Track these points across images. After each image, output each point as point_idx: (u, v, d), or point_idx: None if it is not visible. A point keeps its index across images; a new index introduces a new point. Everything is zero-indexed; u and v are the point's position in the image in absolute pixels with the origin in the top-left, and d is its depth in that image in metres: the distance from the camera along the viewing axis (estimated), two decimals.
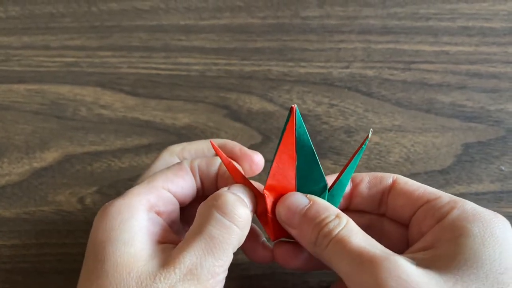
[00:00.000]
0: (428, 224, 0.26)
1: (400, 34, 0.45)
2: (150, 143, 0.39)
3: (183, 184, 0.28)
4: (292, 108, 0.26)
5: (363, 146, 0.27)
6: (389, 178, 0.29)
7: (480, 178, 0.36)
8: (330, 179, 0.28)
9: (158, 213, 0.27)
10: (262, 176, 0.31)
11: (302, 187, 0.28)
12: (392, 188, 0.28)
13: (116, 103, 0.41)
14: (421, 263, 0.24)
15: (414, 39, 0.44)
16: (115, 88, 0.42)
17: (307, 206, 0.27)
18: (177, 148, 0.31)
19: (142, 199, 0.26)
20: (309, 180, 0.28)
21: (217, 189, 0.28)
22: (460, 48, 0.43)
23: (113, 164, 0.37)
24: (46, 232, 0.34)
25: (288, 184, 0.28)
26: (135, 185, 0.28)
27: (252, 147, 0.38)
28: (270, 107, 0.41)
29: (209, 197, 0.26)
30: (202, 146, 0.31)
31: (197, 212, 0.26)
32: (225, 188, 0.27)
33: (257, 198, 0.28)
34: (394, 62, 0.43)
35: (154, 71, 0.43)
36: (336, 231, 0.25)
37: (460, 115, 0.39)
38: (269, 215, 0.28)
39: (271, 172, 0.27)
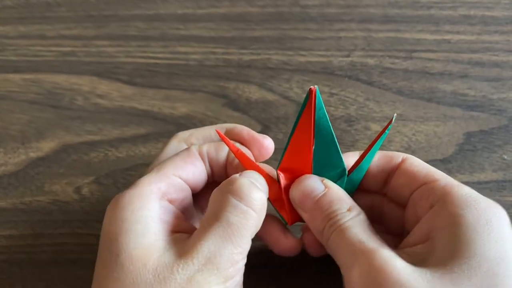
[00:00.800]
0: (422, 207, 0.25)
1: (401, 23, 0.44)
2: (148, 133, 0.38)
3: (194, 170, 0.27)
4: (311, 89, 0.25)
5: (386, 131, 0.26)
6: (398, 157, 0.28)
7: (482, 167, 0.36)
8: (349, 158, 0.28)
9: (170, 201, 0.26)
10: (271, 162, 0.30)
11: (319, 171, 0.27)
12: (398, 167, 0.27)
13: (113, 93, 0.40)
14: (418, 258, 0.23)
15: (415, 27, 0.44)
16: (112, 78, 0.41)
17: (322, 193, 0.26)
18: (185, 134, 0.30)
19: (153, 188, 0.26)
20: (327, 165, 0.27)
21: (227, 175, 0.28)
22: (462, 36, 0.43)
23: (110, 154, 0.37)
24: (42, 222, 0.34)
25: (304, 167, 0.27)
26: (145, 175, 0.27)
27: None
28: (269, 96, 0.40)
29: (222, 183, 0.26)
30: (210, 132, 0.30)
31: (210, 199, 0.26)
32: (237, 175, 0.26)
33: (269, 183, 0.27)
34: (395, 50, 0.42)
35: (151, 60, 0.42)
36: (341, 222, 0.25)
37: (462, 104, 0.39)
38: (284, 196, 0.27)
39: (286, 154, 0.27)
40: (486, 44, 0.42)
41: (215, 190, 0.26)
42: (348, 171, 0.27)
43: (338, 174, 0.27)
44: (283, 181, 0.27)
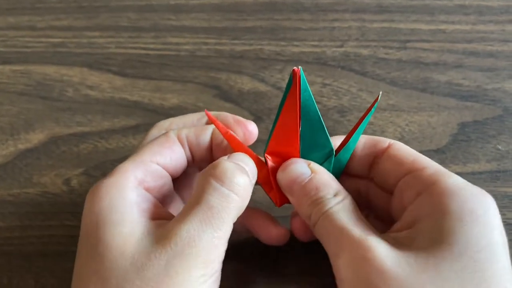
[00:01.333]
0: (408, 195, 0.25)
1: (396, 13, 0.44)
2: (138, 124, 0.37)
3: (172, 155, 0.27)
4: (294, 71, 0.24)
5: (372, 109, 0.26)
6: (384, 142, 0.27)
7: (476, 158, 0.35)
8: (336, 141, 0.27)
9: (148, 189, 0.26)
10: (257, 149, 0.29)
11: (306, 153, 0.27)
12: (385, 153, 0.27)
13: (104, 84, 0.40)
14: (403, 243, 0.23)
15: (409, 17, 0.43)
16: (103, 69, 0.41)
17: (308, 178, 0.26)
18: (165, 123, 0.30)
19: (129, 176, 0.25)
20: (314, 146, 0.27)
21: (213, 158, 0.27)
22: (457, 26, 0.42)
23: (99, 145, 0.36)
24: (30, 214, 0.33)
25: (291, 149, 0.27)
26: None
27: None
28: (261, 87, 0.39)
29: (207, 167, 0.25)
30: (192, 119, 0.30)
31: (195, 184, 0.25)
32: (225, 157, 0.26)
33: (258, 166, 0.27)
34: (389, 41, 0.42)
35: (143, 51, 0.42)
36: (327, 208, 0.25)
37: (456, 94, 0.38)
38: (271, 179, 0.27)
39: (272, 137, 0.26)
40: (481, 34, 0.42)
41: (199, 174, 0.25)
42: (335, 151, 0.27)
43: (325, 155, 0.27)
44: (270, 164, 0.27)
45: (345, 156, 0.27)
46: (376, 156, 0.27)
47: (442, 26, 0.42)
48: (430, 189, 0.24)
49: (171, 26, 0.43)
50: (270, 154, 0.27)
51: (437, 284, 0.21)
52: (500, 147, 0.35)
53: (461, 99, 0.38)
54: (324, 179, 0.26)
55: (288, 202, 0.28)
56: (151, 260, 0.22)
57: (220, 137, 0.28)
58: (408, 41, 0.42)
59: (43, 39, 0.43)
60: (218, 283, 0.24)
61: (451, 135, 0.36)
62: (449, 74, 0.39)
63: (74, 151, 0.36)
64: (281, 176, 0.27)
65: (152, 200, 0.26)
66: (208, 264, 0.23)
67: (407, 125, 0.37)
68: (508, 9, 0.43)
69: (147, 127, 0.37)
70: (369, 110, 0.26)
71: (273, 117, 0.38)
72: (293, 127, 0.26)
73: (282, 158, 0.27)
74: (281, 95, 0.39)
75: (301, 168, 0.26)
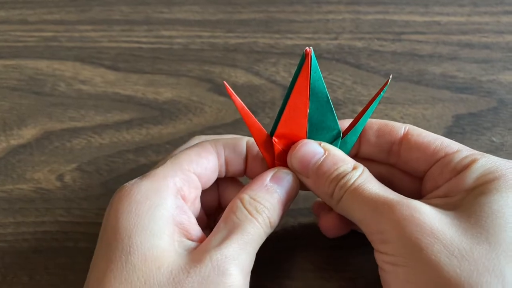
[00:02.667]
0: (445, 177, 0.25)
1: (390, 5, 0.43)
2: (131, 119, 0.37)
3: (207, 165, 0.26)
4: (306, 51, 0.24)
5: (381, 93, 0.26)
6: (400, 129, 0.27)
7: None
8: (343, 124, 0.27)
9: (184, 198, 0.25)
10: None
11: (313, 135, 0.27)
12: (404, 139, 0.27)
13: (96, 78, 0.40)
14: (442, 208, 0.23)
15: (404, 9, 0.43)
16: (95, 63, 0.40)
17: (323, 157, 0.26)
18: (202, 137, 0.30)
19: (169, 183, 0.24)
20: (322, 128, 0.26)
21: (244, 171, 0.28)
22: (452, 18, 0.42)
23: (93, 141, 0.36)
24: (24, 210, 0.33)
25: (299, 132, 0.26)
26: (158, 166, 0.26)
27: (237, 121, 0.37)
28: (256, 80, 0.39)
29: (248, 189, 0.25)
30: (235, 138, 0.29)
31: (230, 206, 0.25)
32: (265, 182, 0.26)
33: (268, 146, 0.27)
34: (383, 33, 0.41)
35: (135, 45, 0.41)
36: (352, 181, 0.25)
37: (451, 86, 0.38)
38: (277, 163, 0.27)
39: (282, 119, 0.26)
40: (476, 26, 0.42)
41: (236, 198, 0.25)
42: (343, 133, 0.27)
43: (332, 137, 0.27)
44: (278, 147, 0.27)
45: (352, 139, 0.27)
46: (394, 143, 0.27)
47: (437, 18, 0.42)
48: (470, 168, 0.24)
49: (164, 19, 0.43)
50: (278, 137, 0.27)
51: (484, 247, 0.21)
52: (494, 139, 0.35)
53: (456, 91, 0.38)
54: (339, 155, 0.26)
55: None
56: (190, 277, 0.22)
57: (255, 149, 0.27)
58: (403, 33, 0.41)
59: (35, 33, 0.42)
60: None
61: (446, 128, 0.36)
62: (444, 66, 0.39)
63: (67, 147, 0.36)
64: (293, 159, 0.26)
65: (187, 212, 0.25)
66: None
67: (401, 118, 0.36)
68: (503, 0, 0.43)
69: (140, 121, 0.37)
70: (378, 93, 0.26)
71: (268, 110, 0.37)
72: (302, 108, 0.26)
73: (290, 141, 0.27)
74: (275, 88, 0.39)
75: (314, 148, 0.26)
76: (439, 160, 0.26)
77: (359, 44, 0.41)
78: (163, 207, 0.24)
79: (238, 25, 0.42)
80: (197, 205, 0.27)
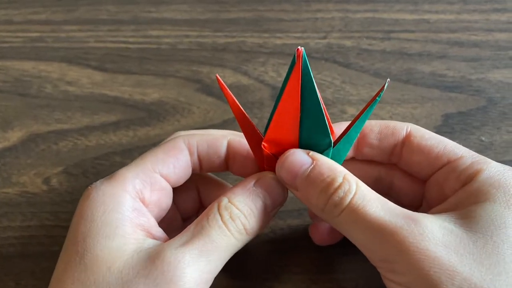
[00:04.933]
0: (451, 186, 0.25)
1: (379, 3, 0.43)
2: (119, 120, 0.37)
3: (175, 164, 0.26)
4: (298, 51, 0.23)
5: (377, 98, 0.24)
6: (402, 129, 0.27)
7: None
8: (338, 127, 0.26)
9: (144, 202, 0.25)
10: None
11: (305, 142, 0.25)
12: (406, 141, 0.26)
13: (83, 79, 0.39)
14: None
15: (393, 7, 0.43)
16: (82, 64, 0.40)
17: (310, 167, 0.24)
18: (183, 132, 0.28)
19: (127, 186, 0.24)
20: (314, 134, 0.25)
21: (226, 168, 0.27)
22: (441, 16, 0.42)
23: (79, 143, 0.36)
24: (9, 214, 0.33)
25: (290, 138, 0.25)
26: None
27: (226, 122, 0.37)
28: (244, 80, 0.39)
29: (221, 199, 0.24)
30: (215, 134, 0.28)
31: (208, 208, 0.24)
32: (244, 192, 0.25)
33: (258, 146, 0.25)
34: (372, 31, 0.41)
35: (122, 45, 0.41)
36: (348, 199, 0.23)
37: (440, 85, 0.38)
38: (266, 168, 0.26)
39: (271, 124, 0.24)
40: (465, 24, 0.41)
41: (213, 202, 0.25)
42: (335, 141, 0.25)
43: (325, 144, 0.25)
44: (266, 152, 0.25)
45: (345, 146, 0.26)
46: (396, 144, 0.27)
47: (426, 16, 0.42)
48: (476, 179, 0.24)
49: (152, 19, 0.42)
50: (268, 142, 0.25)
51: (502, 278, 0.21)
52: (483, 138, 0.35)
53: (445, 90, 0.38)
54: (328, 165, 0.24)
55: None
56: (138, 278, 0.22)
57: (243, 146, 0.26)
58: (392, 31, 0.41)
59: (20, 34, 0.42)
60: None
61: (435, 127, 0.36)
62: (433, 65, 0.39)
63: (54, 149, 0.36)
64: (281, 171, 0.25)
65: (147, 216, 0.25)
66: None
67: (390, 117, 0.36)
68: None
69: (127, 123, 0.37)
70: (374, 98, 0.25)
71: (256, 111, 0.37)
72: (293, 113, 0.24)
73: (281, 147, 0.25)
74: (264, 88, 0.38)
75: (301, 158, 0.25)
76: (443, 166, 0.25)
77: (348, 43, 0.41)
78: (117, 211, 0.24)
79: (226, 24, 0.42)
80: (165, 205, 0.27)
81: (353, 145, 0.26)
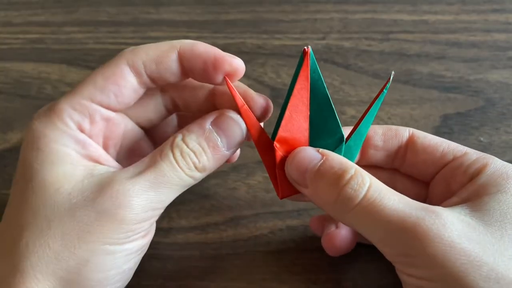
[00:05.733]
0: (459, 181, 0.25)
1: (378, 4, 0.43)
2: None
3: (118, 92, 0.24)
4: (305, 50, 0.23)
5: (383, 91, 0.25)
6: (404, 131, 0.27)
7: None
8: (346, 131, 0.26)
9: (84, 132, 0.25)
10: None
11: (315, 140, 0.25)
12: (410, 142, 0.27)
13: None
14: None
15: (392, 8, 0.43)
16: (82, 65, 0.40)
17: (320, 162, 0.24)
18: (129, 50, 0.25)
19: (65, 118, 0.24)
20: (324, 132, 0.25)
21: (185, 77, 0.25)
22: (440, 17, 0.42)
23: None
24: None
25: (301, 136, 0.25)
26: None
27: None
28: (243, 81, 0.38)
29: (178, 133, 0.24)
30: (162, 48, 0.25)
31: (164, 143, 0.24)
32: (203, 126, 0.25)
33: (268, 149, 0.25)
34: (371, 32, 0.41)
35: (122, 46, 0.41)
36: (363, 192, 0.23)
37: (439, 86, 0.38)
38: (277, 169, 0.25)
39: (282, 122, 0.24)
40: (464, 24, 0.41)
41: (170, 138, 0.25)
42: (346, 138, 0.25)
43: (336, 142, 0.25)
44: (278, 154, 0.25)
45: (356, 142, 0.26)
46: (400, 146, 0.27)
47: (425, 17, 0.42)
48: (484, 172, 0.24)
49: (151, 20, 0.43)
50: (279, 141, 0.25)
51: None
52: (482, 138, 0.35)
53: (443, 91, 0.38)
54: (338, 159, 0.24)
55: (292, 194, 0.26)
56: (87, 202, 0.22)
57: (194, 61, 0.24)
58: (391, 32, 0.41)
59: (20, 35, 0.42)
60: (148, 238, 0.25)
61: (434, 128, 0.36)
62: (431, 66, 0.39)
63: None
64: (290, 168, 0.25)
65: (93, 146, 0.25)
66: (139, 225, 0.23)
67: (389, 118, 0.36)
68: None
69: None
70: (381, 91, 0.25)
71: None
72: (303, 110, 0.24)
73: (291, 146, 0.25)
74: (263, 89, 0.38)
75: (311, 155, 0.24)
76: (449, 163, 0.26)
77: (347, 44, 0.41)
78: (60, 143, 0.24)
79: (225, 26, 0.42)
80: (114, 134, 0.26)
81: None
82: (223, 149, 0.25)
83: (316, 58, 0.40)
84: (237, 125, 0.25)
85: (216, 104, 0.27)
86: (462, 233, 0.21)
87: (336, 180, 0.23)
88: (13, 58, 0.41)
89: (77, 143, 0.24)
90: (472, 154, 0.25)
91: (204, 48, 0.25)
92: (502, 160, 0.34)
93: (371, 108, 0.25)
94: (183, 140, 0.24)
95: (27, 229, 0.22)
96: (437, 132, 0.36)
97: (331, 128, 0.25)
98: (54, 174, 0.23)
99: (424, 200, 0.28)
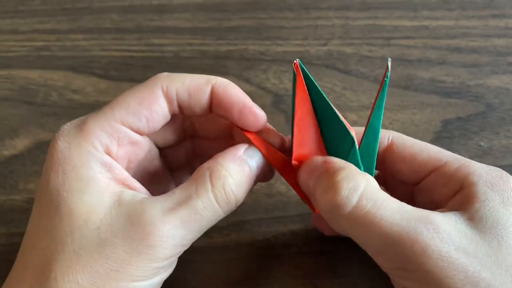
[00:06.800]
0: (441, 193, 0.25)
1: (379, 10, 0.44)
2: None
3: (150, 117, 0.24)
4: (294, 65, 0.23)
5: (385, 79, 0.24)
6: (383, 138, 0.26)
7: (459, 154, 0.35)
8: (361, 131, 0.26)
9: (110, 155, 0.24)
10: None
11: (331, 148, 0.25)
12: (389, 151, 0.26)
13: (88, 87, 0.40)
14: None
15: (393, 14, 0.43)
16: (87, 72, 0.41)
17: (321, 170, 0.24)
18: (164, 75, 0.25)
19: (93, 140, 0.23)
20: (335, 137, 0.25)
21: (207, 128, 0.26)
22: (440, 22, 0.43)
23: None
24: (16, 221, 0.33)
25: (316, 147, 0.25)
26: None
27: None
28: (246, 87, 0.39)
29: (210, 161, 0.24)
30: (199, 81, 0.25)
31: (197, 172, 0.24)
32: (233, 160, 0.24)
33: (288, 170, 0.25)
34: (372, 38, 0.42)
35: (126, 53, 0.42)
36: (353, 201, 0.22)
37: (440, 91, 0.38)
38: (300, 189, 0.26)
39: (294, 141, 0.25)
40: (464, 30, 0.42)
41: (200, 168, 0.24)
42: (362, 136, 0.25)
43: (348, 145, 0.24)
44: (297, 170, 0.25)
45: (373, 137, 0.25)
46: (384, 151, 0.26)
47: (426, 22, 0.43)
48: (468, 184, 0.24)
49: (155, 27, 0.43)
50: (297, 159, 0.25)
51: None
52: (482, 143, 0.36)
53: (444, 96, 0.38)
54: (340, 164, 0.24)
55: None
56: (117, 239, 0.22)
57: (223, 100, 0.25)
58: (392, 38, 0.42)
59: (26, 43, 0.43)
60: (171, 269, 0.25)
61: (435, 133, 0.36)
62: (432, 71, 0.40)
63: None
64: (300, 181, 0.25)
65: (118, 168, 0.24)
66: (168, 261, 0.23)
67: (390, 123, 0.37)
68: (491, 4, 0.43)
69: None
70: (382, 81, 0.24)
71: None
72: (310, 122, 0.24)
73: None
74: (265, 95, 0.39)
75: (316, 162, 0.25)
76: (430, 173, 0.25)
77: (348, 49, 0.41)
78: (87, 166, 0.23)
79: (228, 32, 0.43)
80: (137, 158, 0.26)
81: None
82: (254, 179, 0.25)
83: (318, 64, 0.40)
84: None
85: (233, 132, 0.27)
86: (460, 247, 0.21)
87: (327, 185, 0.23)
88: (20, 65, 0.41)
89: (104, 165, 0.23)
90: (453, 163, 0.25)
91: (236, 92, 0.25)
92: (502, 164, 0.34)
93: (377, 100, 0.24)
94: (224, 170, 0.24)
95: (55, 261, 0.22)
96: (438, 137, 0.36)
97: (340, 132, 0.25)
98: (81, 203, 0.22)
99: (411, 200, 0.27)
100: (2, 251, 0.32)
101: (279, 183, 0.34)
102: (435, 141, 0.36)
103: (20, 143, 0.37)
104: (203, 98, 0.25)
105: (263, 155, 0.25)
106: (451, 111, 0.37)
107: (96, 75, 0.41)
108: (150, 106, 0.24)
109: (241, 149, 0.25)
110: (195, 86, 0.25)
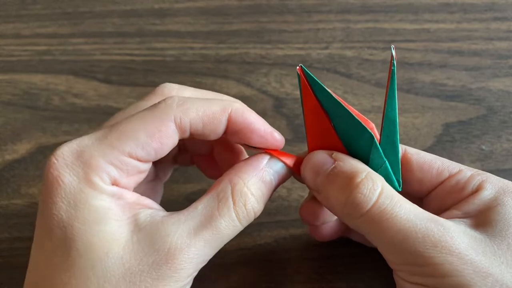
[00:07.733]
0: (456, 198, 0.25)
1: (380, 13, 0.44)
2: None
3: (159, 151, 0.23)
4: (298, 70, 0.23)
5: (392, 68, 0.23)
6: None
7: (461, 158, 0.35)
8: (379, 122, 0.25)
9: (118, 185, 0.23)
10: None
11: (349, 145, 0.25)
12: (404, 160, 0.26)
13: (90, 92, 0.40)
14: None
15: (394, 17, 0.43)
16: (88, 76, 0.41)
17: (331, 167, 0.24)
18: (174, 89, 0.25)
19: (102, 174, 0.22)
20: (352, 136, 0.24)
21: (222, 149, 0.27)
22: (441, 25, 0.43)
23: None
24: (19, 225, 0.33)
25: (335, 144, 0.25)
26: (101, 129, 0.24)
27: None
28: (247, 91, 0.40)
29: (237, 179, 0.24)
30: (213, 109, 0.24)
31: (218, 188, 0.24)
32: (255, 179, 0.24)
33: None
34: (374, 41, 0.42)
35: (128, 57, 0.42)
36: (373, 199, 0.23)
37: (441, 94, 0.38)
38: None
39: (308, 145, 0.25)
40: (466, 33, 0.42)
41: (221, 183, 0.24)
42: (380, 128, 0.25)
43: (367, 141, 0.24)
44: None
45: (391, 129, 0.25)
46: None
47: (427, 25, 0.43)
48: (483, 190, 0.24)
49: (156, 31, 0.43)
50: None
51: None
52: (484, 147, 0.36)
53: (445, 99, 0.38)
54: (349, 163, 0.24)
55: None
56: (141, 266, 0.22)
57: (243, 128, 0.24)
58: (393, 41, 0.42)
59: (28, 47, 0.43)
60: (190, 284, 0.24)
61: (436, 136, 0.36)
62: (433, 74, 0.40)
63: None
64: (304, 172, 0.25)
65: (128, 194, 0.24)
66: (190, 277, 0.23)
67: None
68: (492, 7, 0.43)
69: None
70: (390, 69, 0.24)
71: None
72: (324, 125, 0.24)
73: None
74: (266, 98, 0.39)
75: (322, 159, 0.24)
76: (444, 181, 0.26)
77: (349, 53, 0.41)
78: (99, 198, 0.22)
79: (229, 36, 0.43)
80: (144, 181, 0.26)
81: None
82: (274, 190, 0.25)
83: (319, 68, 0.40)
84: (286, 164, 0.25)
85: (227, 134, 0.27)
86: (469, 246, 0.22)
87: (345, 185, 0.23)
88: (22, 69, 0.41)
89: (114, 195, 0.23)
90: (467, 171, 0.25)
91: (254, 119, 0.25)
92: (504, 168, 0.34)
93: (388, 91, 0.24)
94: (245, 186, 0.24)
95: None
96: (439, 140, 0.36)
97: (357, 130, 0.24)
98: (100, 235, 0.21)
99: None
100: (4, 255, 0.32)
101: (280, 188, 0.34)
102: (437, 144, 0.36)
103: (22, 148, 0.37)
104: (219, 127, 0.24)
105: (285, 164, 0.25)
106: (452, 114, 0.37)
107: (97, 79, 0.41)
108: (161, 140, 0.23)
109: (263, 161, 0.25)
110: (210, 116, 0.24)
